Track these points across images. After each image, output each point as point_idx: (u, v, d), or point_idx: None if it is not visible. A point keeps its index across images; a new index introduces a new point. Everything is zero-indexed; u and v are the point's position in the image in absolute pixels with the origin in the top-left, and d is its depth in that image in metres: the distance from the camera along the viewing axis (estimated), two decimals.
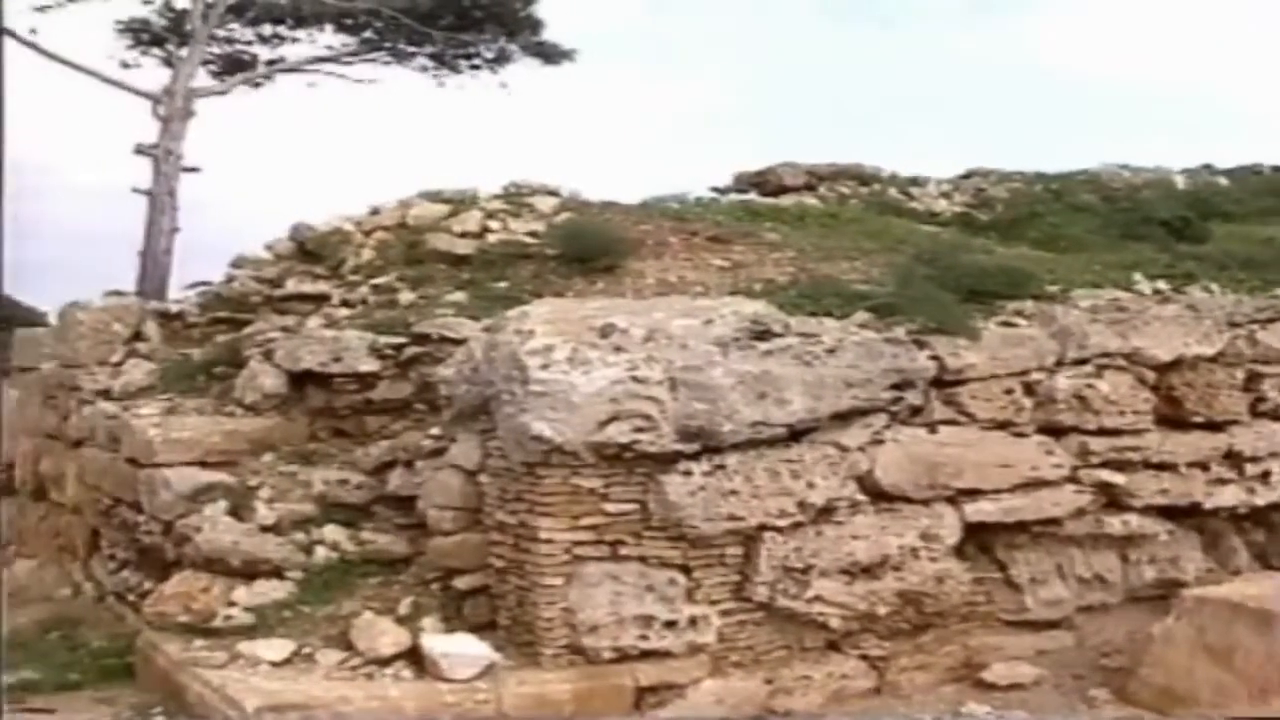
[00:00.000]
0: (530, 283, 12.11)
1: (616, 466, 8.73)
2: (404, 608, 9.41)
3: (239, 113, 34.09)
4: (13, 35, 25.95)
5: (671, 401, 8.72)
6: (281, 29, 29.66)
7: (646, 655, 8.83)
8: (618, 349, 8.77)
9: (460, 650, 8.73)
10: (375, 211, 14.12)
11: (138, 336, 13.95)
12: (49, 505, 14.93)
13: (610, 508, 8.76)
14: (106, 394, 12.86)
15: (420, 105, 42.78)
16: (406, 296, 12.23)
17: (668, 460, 8.79)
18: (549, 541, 8.67)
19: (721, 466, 8.92)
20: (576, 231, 12.84)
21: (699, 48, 60.79)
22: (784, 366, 9.14)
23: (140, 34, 28.92)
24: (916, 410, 9.88)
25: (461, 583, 9.49)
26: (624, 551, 8.81)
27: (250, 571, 9.92)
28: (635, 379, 8.66)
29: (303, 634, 9.30)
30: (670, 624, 8.85)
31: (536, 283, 12.10)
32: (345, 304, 12.56)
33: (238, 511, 10.36)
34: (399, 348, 11.19)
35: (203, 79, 27.94)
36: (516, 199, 14.16)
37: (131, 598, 11.32)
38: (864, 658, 9.60)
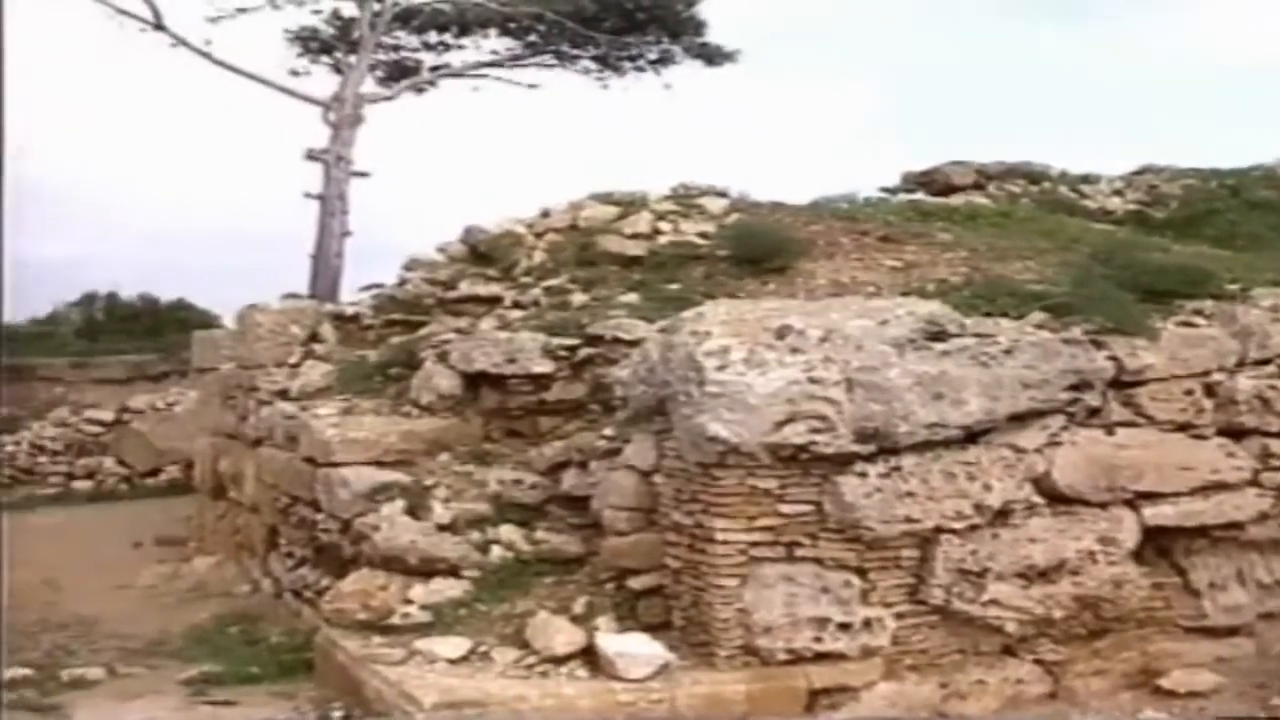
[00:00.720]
0: (702, 284, 12.16)
1: (792, 467, 8.69)
2: (579, 607, 9.46)
3: (406, 118, 34.58)
4: (188, 45, 26.71)
5: (848, 402, 8.67)
6: (447, 36, 30.06)
7: (820, 657, 8.76)
8: (794, 350, 8.74)
9: (635, 650, 8.73)
10: (546, 214, 14.27)
11: (314, 338, 14.22)
12: (227, 503, 15.29)
13: (786, 509, 8.72)
14: (284, 394, 13.15)
15: (584, 108, 43.00)
16: (579, 298, 12.35)
17: (844, 461, 8.73)
18: (725, 542, 8.64)
19: (897, 468, 8.84)
20: (748, 232, 12.86)
21: (862, 46, 60.36)
22: (960, 367, 9.05)
23: (309, 42, 29.53)
24: (1094, 412, 9.72)
25: (636, 583, 9.50)
26: (799, 553, 8.76)
27: (427, 570, 10.04)
28: (812, 380, 8.62)
29: (478, 632, 9.37)
30: (845, 626, 8.79)
31: (708, 284, 12.14)
32: (518, 305, 12.70)
33: (414, 510, 10.49)
34: (572, 349, 11.30)
35: (371, 85, 28.48)
36: (686, 200, 14.23)
37: (309, 594, 11.53)
38: (1039, 662, 9.46)
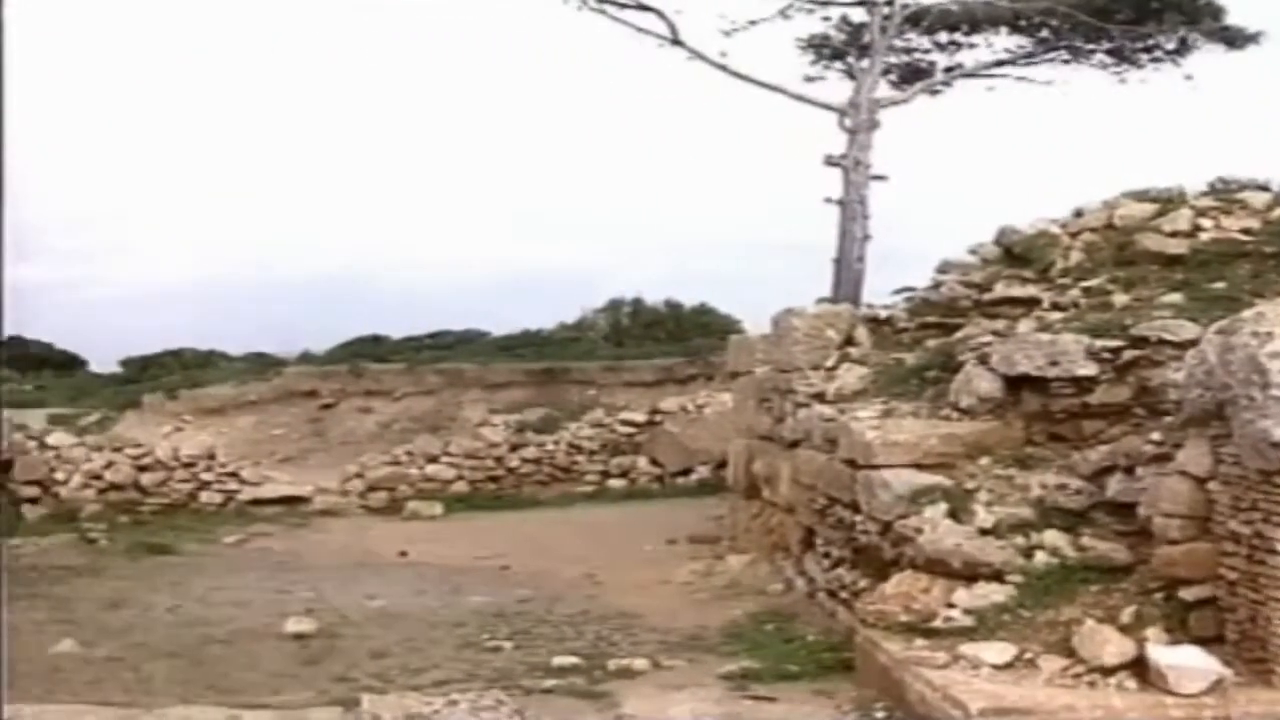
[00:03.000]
0: (1249, 282, 11.77)
1: None
2: (1126, 616, 9.22)
3: (920, 120, 34.66)
4: (704, 58, 27.59)
5: None
6: (957, 35, 29.98)
7: None
8: None
9: (1188, 663, 8.47)
10: (1079, 213, 14.08)
11: (849, 341, 14.39)
12: (761, 503, 15.63)
13: None
14: (821, 397, 13.34)
15: (1102, 103, 41.84)
16: (1119, 299, 12.11)
17: None
18: None
19: None
20: None
21: None
22: None
23: (821, 49, 30.00)
24: None
25: (1187, 593, 9.17)
26: None
27: (970, 574, 9.99)
28: None
29: (1022, 638, 9.27)
30: None
31: (1256, 282, 11.75)
32: (1056, 307, 12.55)
33: (956, 514, 10.48)
34: (1116, 351, 11.04)
35: (884, 89, 28.66)
36: (1226, 195, 13.78)
37: (845, 595, 11.66)
38: None
